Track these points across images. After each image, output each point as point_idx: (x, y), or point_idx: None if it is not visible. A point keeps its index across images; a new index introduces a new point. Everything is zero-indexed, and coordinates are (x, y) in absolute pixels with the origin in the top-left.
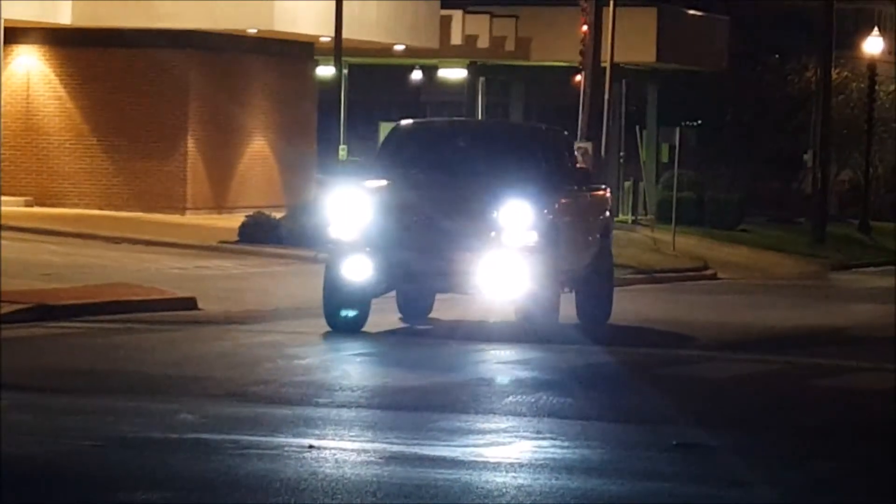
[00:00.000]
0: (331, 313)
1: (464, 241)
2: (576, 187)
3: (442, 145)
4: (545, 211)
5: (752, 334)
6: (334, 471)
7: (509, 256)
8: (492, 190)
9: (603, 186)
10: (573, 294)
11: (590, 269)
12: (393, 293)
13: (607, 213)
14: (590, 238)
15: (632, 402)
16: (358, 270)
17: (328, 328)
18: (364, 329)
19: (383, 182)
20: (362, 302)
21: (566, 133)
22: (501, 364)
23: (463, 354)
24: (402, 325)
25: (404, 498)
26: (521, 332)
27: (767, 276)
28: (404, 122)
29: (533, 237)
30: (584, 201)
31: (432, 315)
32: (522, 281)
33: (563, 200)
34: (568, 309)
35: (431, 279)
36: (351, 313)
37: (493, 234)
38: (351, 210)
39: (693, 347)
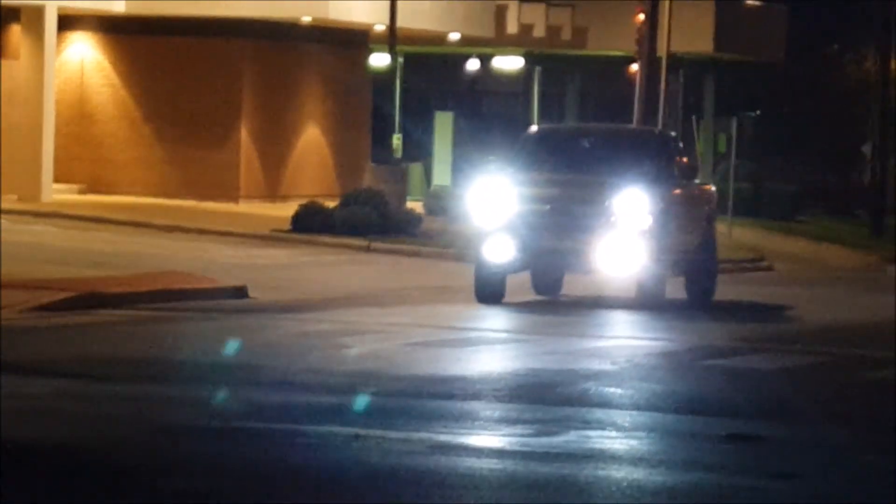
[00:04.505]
0: (478, 288)
1: (588, 225)
2: (684, 181)
3: (569, 146)
4: (657, 200)
5: (804, 326)
6: (379, 460)
7: (626, 238)
8: (612, 182)
9: (708, 183)
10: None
11: (695, 254)
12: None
13: (711, 206)
14: (695, 226)
15: (682, 393)
16: (500, 252)
17: (383, 316)
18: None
19: (519, 177)
20: (503, 278)
21: (675, 135)
22: (559, 354)
23: (522, 344)
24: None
25: (448, 488)
26: (632, 305)
27: (824, 268)
28: (535, 127)
29: (647, 222)
30: (690, 194)
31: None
32: (637, 260)
33: (673, 192)
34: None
35: (560, 258)
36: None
37: (612, 218)
38: (494, 201)
39: (744, 339)
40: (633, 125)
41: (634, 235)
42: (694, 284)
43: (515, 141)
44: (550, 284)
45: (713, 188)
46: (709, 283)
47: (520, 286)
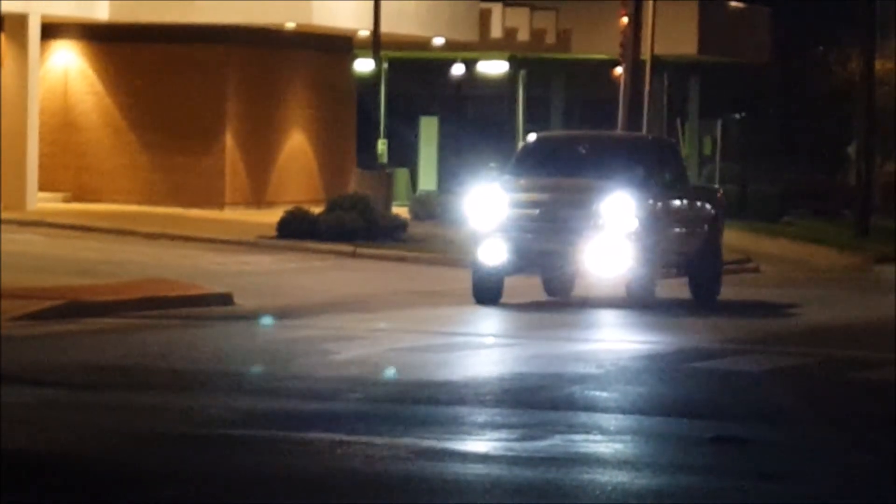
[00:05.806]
0: (475, 289)
1: (575, 228)
2: (679, 185)
3: (565, 153)
4: (645, 203)
5: (790, 327)
6: (363, 466)
7: (612, 240)
8: (599, 186)
9: (714, 187)
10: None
11: (697, 255)
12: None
13: (713, 209)
14: (694, 228)
15: (667, 396)
16: (494, 254)
17: (369, 321)
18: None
19: (513, 182)
20: (498, 280)
21: (673, 141)
22: (546, 358)
23: (509, 347)
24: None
25: (433, 494)
26: (624, 306)
27: (810, 268)
28: (534, 134)
29: (633, 225)
30: (686, 197)
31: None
32: (623, 262)
33: (663, 195)
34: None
35: (548, 260)
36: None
37: (599, 221)
38: (489, 206)
39: (731, 340)
40: (622, 131)
41: (620, 238)
42: (697, 285)
43: (511, 148)
44: (561, 286)
45: (721, 191)
46: (712, 284)
47: (534, 287)
